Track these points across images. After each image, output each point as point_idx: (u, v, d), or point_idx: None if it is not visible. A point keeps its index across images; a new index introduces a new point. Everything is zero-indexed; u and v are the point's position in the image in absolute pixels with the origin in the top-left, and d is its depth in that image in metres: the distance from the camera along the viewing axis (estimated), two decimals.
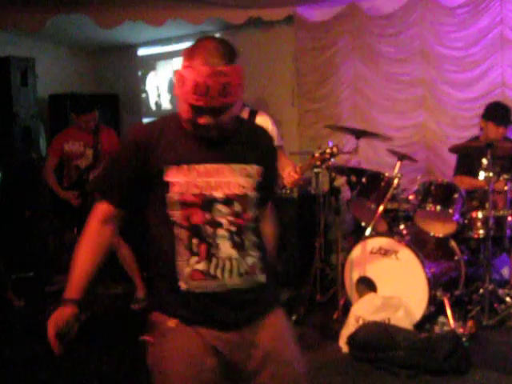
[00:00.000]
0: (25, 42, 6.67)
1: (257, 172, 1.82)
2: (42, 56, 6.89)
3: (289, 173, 3.45)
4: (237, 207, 1.78)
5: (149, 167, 1.77)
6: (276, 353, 1.86)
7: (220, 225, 1.76)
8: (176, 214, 1.76)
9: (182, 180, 1.74)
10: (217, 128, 1.73)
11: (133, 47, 7.79)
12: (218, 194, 1.75)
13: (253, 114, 3.77)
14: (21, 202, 5.98)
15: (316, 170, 4.37)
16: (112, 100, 7.55)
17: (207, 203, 1.75)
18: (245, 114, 3.73)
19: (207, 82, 1.62)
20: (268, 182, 1.91)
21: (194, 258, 1.75)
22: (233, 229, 1.77)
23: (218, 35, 6.91)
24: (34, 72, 6.46)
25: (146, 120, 7.92)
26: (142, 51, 7.82)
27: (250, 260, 1.81)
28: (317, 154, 3.47)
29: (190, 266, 1.75)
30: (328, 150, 3.48)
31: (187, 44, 7.24)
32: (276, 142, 3.66)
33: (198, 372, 1.73)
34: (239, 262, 1.78)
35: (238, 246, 1.79)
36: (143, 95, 7.95)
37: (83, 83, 7.60)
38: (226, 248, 1.77)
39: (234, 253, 1.77)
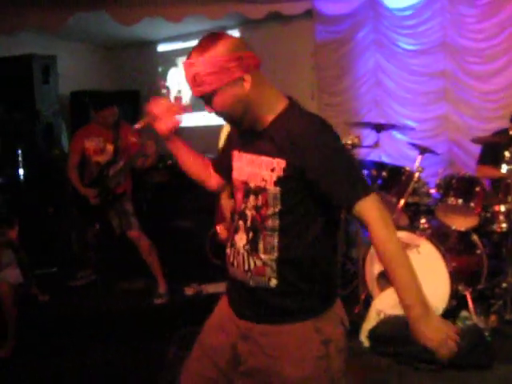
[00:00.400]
0: (46, 40, 6.74)
1: (280, 166, 1.72)
2: (64, 53, 6.95)
3: None
4: (259, 201, 1.78)
5: (228, 152, 2.00)
6: (265, 373, 1.79)
7: (245, 216, 1.82)
8: (234, 197, 1.95)
9: (237, 165, 1.90)
10: (223, 116, 1.82)
11: (153, 43, 7.84)
12: (251, 184, 1.81)
13: None
14: (44, 199, 6.05)
15: None
16: (133, 96, 7.60)
17: (246, 191, 1.83)
18: None
19: (184, 74, 1.76)
20: (299, 177, 1.72)
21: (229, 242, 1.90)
22: (250, 223, 1.81)
23: (237, 30, 6.94)
24: (56, 69, 6.52)
25: None
26: (162, 47, 7.86)
27: (257, 261, 1.78)
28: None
29: (228, 248, 1.91)
30: (349, 142, 3.46)
31: None
32: None
33: (216, 332, 1.92)
34: (244, 259, 1.81)
35: (250, 243, 1.81)
36: (164, 91, 7.97)
37: (104, 80, 7.66)
38: (240, 241, 1.84)
39: (242, 248, 1.83)
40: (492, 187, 4.30)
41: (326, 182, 1.70)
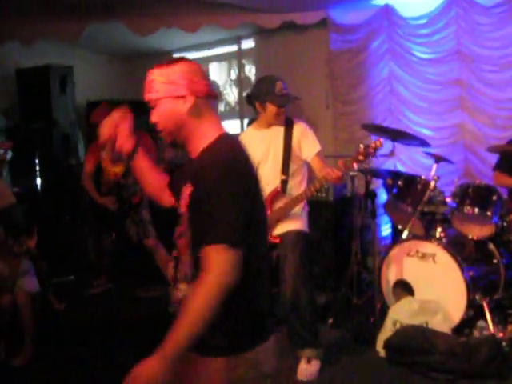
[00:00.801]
0: (63, 50, 6.80)
1: (189, 191, 1.85)
2: (80, 63, 7.02)
3: (332, 170, 3.43)
4: (181, 227, 1.90)
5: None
6: None
7: (175, 244, 1.95)
8: None
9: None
10: (159, 128, 1.95)
11: (168, 53, 7.88)
12: (179, 210, 1.93)
13: (289, 122, 3.78)
14: (61, 207, 6.10)
15: (352, 173, 4.35)
16: (148, 106, 7.63)
17: (177, 218, 1.95)
18: (280, 123, 3.75)
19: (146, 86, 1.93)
20: (197, 207, 1.78)
21: None
22: (176, 252, 1.94)
23: (251, 39, 6.97)
24: (72, 79, 6.58)
25: None
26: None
27: (179, 293, 1.88)
28: (361, 149, 3.45)
29: None
30: (372, 144, 3.46)
31: (221, 49, 7.33)
32: (316, 148, 3.69)
33: None
34: (172, 291, 1.93)
35: (175, 273, 1.92)
36: None
37: (120, 89, 7.71)
38: (171, 269, 1.97)
39: (170, 279, 1.95)
40: (509, 196, 4.28)
41: (201, 214, 1.74)
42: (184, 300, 1.78)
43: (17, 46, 5.88)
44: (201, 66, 1.96)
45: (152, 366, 1.68)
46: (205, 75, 1.92)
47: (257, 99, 3.74)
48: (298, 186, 3.77)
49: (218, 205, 1.71)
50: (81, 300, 5.19)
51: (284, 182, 3.72)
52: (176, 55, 7.86)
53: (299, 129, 3.74)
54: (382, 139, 3.50)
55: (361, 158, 3.47)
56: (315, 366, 3.60)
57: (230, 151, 1.84)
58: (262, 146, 3.76)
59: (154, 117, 1.92)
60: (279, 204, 3.74)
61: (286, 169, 3.71)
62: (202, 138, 1.88)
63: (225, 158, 1.79)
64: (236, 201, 1.72)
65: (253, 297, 1.81)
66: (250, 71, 7.17)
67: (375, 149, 3.46)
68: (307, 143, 3.73)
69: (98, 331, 4.37)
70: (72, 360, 3.96)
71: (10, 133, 6.10)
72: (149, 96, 1.90)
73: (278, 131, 3.75)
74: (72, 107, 6.54)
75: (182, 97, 1.84)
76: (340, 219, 5.19)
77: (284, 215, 3.72)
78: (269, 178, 3.75)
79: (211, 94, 1.91)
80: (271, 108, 3.70)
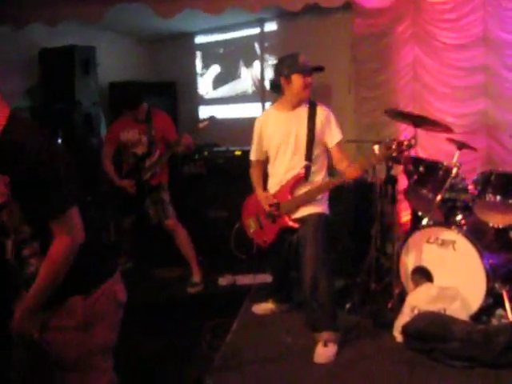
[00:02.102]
0: (86, 31, 6.82)
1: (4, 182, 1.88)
2: (103, 44, 7.03)
3: (355, 169, 3.44)
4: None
5: None
6: None
7: None
8: None
9: None
10: None
11: (190, 35, 7.88)
12: None
13: (312, 105, 3.77)
14: (82, 188, 6.14)
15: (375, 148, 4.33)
16: (170, 87, 7.66)
17: None
18: (304, 106, 3.74)
19: None
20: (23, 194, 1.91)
21: None
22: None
23: (274, 22, 6.94)
24: (95, 61, 6.60)
25: (202, 107, 8.01)
26: (200, 39, 7.90)
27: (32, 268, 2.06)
28: (394, 146, 3.44)
29: None
30: (406, 142, 3.45)
31: (244, 32, 7.30)
32: (337, 137, 3.68)
33: None
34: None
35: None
36: (200, 83, 8.03)
37: (142, 71, 7.73)
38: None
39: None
40: None
41: (27, 193, 1.88)
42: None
43: (41, 26, 5.90)
44: None
45: (19, 317, 2.00)
46: None
47: (281, 74, 3.73)
48: (319, 172, 3.77)
49: (46, 178, 1.87)
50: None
51: (307, 168, 3.71)
52: (198, 37, 7.86)
53: (323, 114, 3.73)
54: (415, 138, 3.51)
55: (394, 154, 3.48)
56: (332, 349, 3.62)
57: (28, 134, 1.90)
58: (283, 128, 3.75)
59: None
60: (301, 190, 3.75)
61: (309, 154, 3.70)
62: None
63: (31, 140, 1.87)
64: (57, 168, 1.91)
65: (94, 241, 2.11)
66: (272, 54, 7.14)
67: (408, 146, 3.45)
68: (330, 130, 3.71)
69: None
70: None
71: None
72: None
73: (301, 114, 3.73)
74: (95, 88, 6.57)
75: None
76: (360, 205, 5.18)
77: (304, 203, 3.73)
78: (291, 163, 3.75)
79: None
80: (297, 80, 3.69)
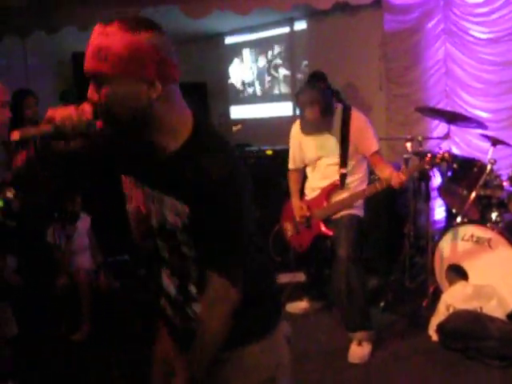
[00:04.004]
0: None
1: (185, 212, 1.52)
2: None
3: (398, 174, 3.41)
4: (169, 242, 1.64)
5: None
6: None
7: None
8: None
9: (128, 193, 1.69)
10: (105, 114, 1.46)
11: (220, 36, 7.92)
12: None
13: (346, 111, 3.72)
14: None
15: (406, 155, 4.30)
16: (200, 88, 7.71)
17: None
18: (338, 111, 3.72)
19: (91, 38, 1.43)
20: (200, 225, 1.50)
21: None
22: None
23: (304, 22, 6.93)
24: None
25: (232, 108, 8.05)
26: (229, 39, 7.94)
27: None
28: (427, 158, 3.42)
29: None
30: (439, 155, 3.42)
31: (274, 31, 7.31)
32: (373, 147, 3.65)
33: None
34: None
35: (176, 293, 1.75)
36: (230, 83, 8.07)
37: None
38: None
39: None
40: None
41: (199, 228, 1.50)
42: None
43: (73, 31, 6.00)
44: (170, 42, 1.48)
45: None
46: (174, 52, 1.48)
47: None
48: (356, 179, 3.76)
49: (229, 225, 1.50)
50: (134, 279, 5.30)
51: (343, 176, 3.71)
52: (228, 38, 7.89)
53: (357, 124, 3.68)
54: (450, 152, 3.47)
55: (427, 166, 3.47)
56: (366, 348, 3.60)
57: (220, 144, 1.55)
58: (319, 136, 3.75)
59: (104, 98, 1.43)
60: (337, 198, 3.75)
61: (344, 162, 3.69)
62: (171, 131, 1.50)
63: (221, 158, 1.48)
64: (244, 212, 1.52)
65: (265, 285, 1.75)
66: (302, 53, 7.13)
67: (442, 159, 3.43)
68: (366, 139, 3.66)
69: (149, 309, 4.47)
70: (127, 336, 4.06)
71: None
72: (97, 66, 1.40)
73: (335, 121, 3.69)
74: None
75: (148, 80, 1.41)
76: (393, 202, 5.14)
77: (340, 210, 3.72)
78: (327, 170, 3.76)
79: (177, 78, 1.49)
80: None
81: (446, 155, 3.42)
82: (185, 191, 1.48)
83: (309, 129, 3.69)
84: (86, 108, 1.47)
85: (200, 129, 1.52)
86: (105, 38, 1.38)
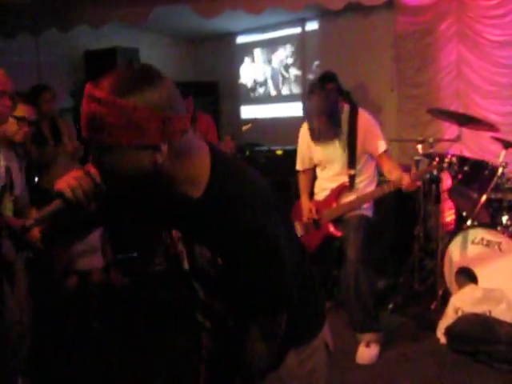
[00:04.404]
0: (129, 33, 6.93)
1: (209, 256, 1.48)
2: (145, 45, 7.14)
3: (406, 177, 3.40)
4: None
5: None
6: None
7: None
8: None
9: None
10: (103, 177, 1.39)
11: (232, 35, 7.92)
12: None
13: (353, 111, 3.71)
14: None
15: (417, 157, 4.29)
16: (212, 87, 7.72)
17: None
18: (345, 112, 3.71)
19: (83, 105, 1.30)
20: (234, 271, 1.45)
21: None
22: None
23: (316, 22, 6.91)
24: (138, 61, 6.70)
25: (243, 107, 8.05)
26: (241, 39, 7.94)
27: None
28: (435, 163, 3.42)
29: None
30: (447, 160, 3.41)
31: (285, 31, 7.31)
32: (381, 148, 3.64)
33: None
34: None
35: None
36: (241, 82, 8.07)
37: (184, 71, 7.81)
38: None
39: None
40: None
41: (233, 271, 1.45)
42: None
43: (85, 29, 6.03)
44: (173, 84, 1.35)
45: None
46: (178, 100, 1.35)
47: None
48: (365, 180, 3.75)
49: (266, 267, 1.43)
50: (143, 276, 5.31)
51: (352, 177, 3.70)
52: (240, 37, 7.89)
53: (364, 124, 3.67)
54: (456, 156, 3.46)
55: (434, 171, 3.47)
56: (374, 349, 3.60)
57: (241, 180, 1.46)
58: (328, 148, 3.74)
59: (108, 167, 1.34)
60: (346, 198, 3.74)
61: (352, 163, 3.69)
62: (189, 182, 1.41)
63: (245, 204, 1.39)
64: (278, 252, 1.43)
65: (307, 295, 1.70)
66: (314, 53, 7.13)
67: (450, 164, 3.42)
68: (373, 140, 3.65)
69: (160, 307, 4.48)
70: (135, 334, 4.07)
71: (77, 114, 6.27)
72: (94, 136, 1.29)
73: (342, 122, 3.68)
74: None
75: (152, 145, 1.29)
76: (403, 204, 5.12)
77: (349, 211, 3.72)
78: (336, 172, 3.76)
79: (187, 127, 1.35)
80: None
81: (454, 159, 3.41)
82: (214, 242, 1.44)
83: (318, 137, 3.68)
84: (92, 170, 1.40)
85: (218, 169, 1.43)
86: (98, 106, 1.25)
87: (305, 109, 3.69)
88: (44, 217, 1.43)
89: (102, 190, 1.41)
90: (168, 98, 1.29)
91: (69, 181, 1.40)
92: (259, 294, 1.46)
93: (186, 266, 1.59)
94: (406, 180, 3.39)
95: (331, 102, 3.56)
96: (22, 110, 3.02)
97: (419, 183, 3.44)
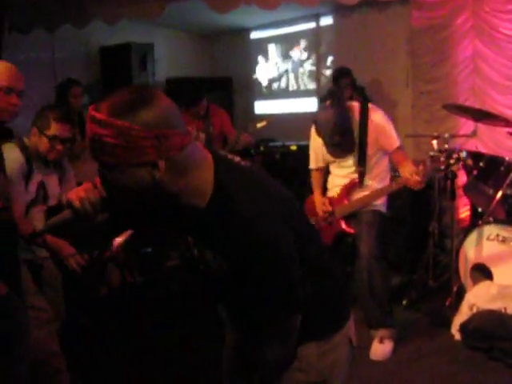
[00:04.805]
0: (144, 29, 6.95)
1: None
2: (159, 41, 7.15)
3: (413, 176, 3.37)
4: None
5: None
6: None
7: None
8: None
9: None
10: (108, 193, 1.52)
11: (246, 31, 7.92)
12: None
13: (364, 109, 3.65)
14: None
15: (432, 153, 4.26)
16: (226, 83, 7.73)
17: None
18: (355, 109, 3.67)
19: (87, 125, 1.40)
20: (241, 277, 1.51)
21: None
22: None
23: (330, 17, 6.89)
24: (153, 57, 6.72)
25: (258, 103, 8.05)
26: (255, 34, 7.93)
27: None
28: (442, 159, 3.40)
29: None
30: (454, 155, 3.39)
31: (300, 26, 7.29)
32: (395, 144, 3.61)
33: None
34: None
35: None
36: (256, 78, 8.06)
37: (199, 67, 7.83)
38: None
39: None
40: None
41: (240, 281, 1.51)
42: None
43: (100, 25, 6.05)
44: (168, 102, 1.42)
45: None
46: (175, 117, 1.42)
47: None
48: (377, 176, 3.73)
49: (272, 278, 1.47)
50: (157, 272, 5.32)
51: (361, 174, 3.69)
52: (254, 33, 7.88)
53: (375, 121, 3.62)
54: (464, 151, 3.43)
55: (442, 167, 3.46)
56: (388, 346, 3.59)
57: (244, 187, 1.49)
58: None
59: (115, 183, 1.44)
60: (358, 195, 3.73)
61: (362, 159, 3.67)
62: (192, 194, 1.47)
63: (247, 207, 1.44)
64: (286, 260, 1.48)
65: (328, 290, 1.74)
66: (328, 48, 7.10)
67: (457, 160, 3.40)
68: (385, 137, 3.62)
69: (173, 302, 4.50)
70: (149, 329, 4.09)
71: None
72: (97, 156, 1.39)
73: (353, 119, 3.65)
74: (152, 84, 6.69)
75: (149, 162, 1.37)
76: (417, 200, 5.10)
77: (361, 207, 3.70)
78: (347, 168, 3.75)
79: (186, 142, 1.42)
80: None
81: (462, 155, 3.38)
82: (221, 250, 1.50)
83: (334, 153, 3.65)
84: (99, 184, 1.53)
85: (222, 178, 1.48)
86: (98, 127, 1.35)
87: (316, 120, 3.60)
88: (54, 224, 1.59)
89: (108, 202, 1.53)
90: (162, 115, 1.37)
91: (78, 192, 1.54)
92: (268, 301, 1.51)
93: (202, 268, 1.65)
94: (410, 180, 3.36)
95: (345, 119, 3.52)
96: (54, 128, 2.98)
97: (423, 182, 3.40)
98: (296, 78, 7.59)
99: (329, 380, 1.74)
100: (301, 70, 7.50)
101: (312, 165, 4.03)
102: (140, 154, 1.35)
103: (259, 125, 5.04)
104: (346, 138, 3.49)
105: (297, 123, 6.89)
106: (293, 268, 1.49)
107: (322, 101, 3.59)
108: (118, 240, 2.11)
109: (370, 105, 3.71)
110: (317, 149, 3.92)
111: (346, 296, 1.89)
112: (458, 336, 3.68)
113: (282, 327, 1.57)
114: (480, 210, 4.40)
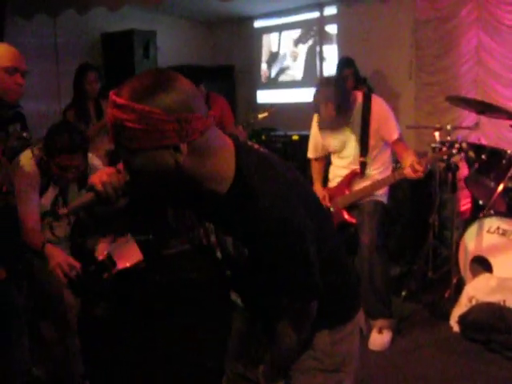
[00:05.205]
0: (147, 16, 6.92)
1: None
2: (162, 28, 7.12)
3: (413, 166, 3.36)
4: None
5: None
6: None
7: None
8: None
9: None
10: (130, 178, 1.51)
11: (249, 19, 7.88)
12: None
13: (367, 98, 3.67)
14: None
15: (434, 144, 4.26)
16: (228, 71, 7.70)
17: None
18: (358, 98, 3.67)
19: (108, 109, 1.39)
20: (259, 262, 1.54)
21: None
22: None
23: (334, 7, 6.85)
24: (155, 44, 6.69)
25: (260, 92, 8.03)
26: (258, 23, 7.89)
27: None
28: (444, 149, 3.40)
29: None
30: (456, 145, 3.39)
31: (303, 15, 7.24)
32: (395, 135, 3.61)
33: None
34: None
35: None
36: (258, 67, 8.03)
37: (201, 55, 7.79)
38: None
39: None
40: None
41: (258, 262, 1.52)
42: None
43: (103, 11, 6.02)
44: (189, 85, 1.41)
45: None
46: (196, 100, 1.40)
47: None
48: (378, 166, 3.73)
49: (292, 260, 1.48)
50: (158, 259, 5.33)
51: (363, 164, 3.69)
52: (257, 21, 7.85)
53: (378, 111, 3.62)
54: (466, 141, 3.44)
55: (444, 157, 3.47)
56: (387, 336, 3.60)
57: (265, 174, 1.48)
58: (338, 137, 3.73)
59: (135, 169, 1.43)
60: (359, 185, 3.73)
61: (364, 150, 3.67)
62: (214, 179, 1.46)
63: (268, 194, 1.43)
64: (303, 239, 1.47)
65: (342, 280, 1.76)
66: (332, 38, 7.07)
67: (459, 150, 3.40)
68: (386, 126, 3.62)
69: (172, 289, 4.51)
70: (148, 316, 4.09)
71: None
72: (118, 141, 1.38)
73: (356, 110, 3.65)
74: None
75: (171, 146, 1.36)
76: (418, 192, 5.09)
77: (363, 198, 3.70)
78: (348, 158, 3.75)
79: (207, 126, 1.40)
80: None
81: (464, 145, 3.39)
82: (241, 236, 1.51)
83: (323, 126, 3.67)
84: (122, 168, 1.52)
85: (243, 165, 1.48)
86: (119, 112, 1.34)
87: (313, 100, 3.60)
88: (77, 207, 1.60)
89: (130, 187, 1.53)
90: (183, 99, 1.35)
91: (101, 176, 1.53)
92: (286, 287, 1.53)
93: (219, 254, 1.66)
94: (414, 168, 3.36)
95: (339, 90, 3.52)
96: (60, 159, 2.86)
97: (422, 173, 3.39)
98: (298, 68, 7.56)
99: (341, 368, 1.76)
100: (303, 59, 7.47)
101: (310, 154, 4.02)
102: (162, 137, 1.33)
103: (261, 115, 5.03)
104: (335, 109, 3.47)
105: (299, 113, 6.86)
106: (312, 254, 1.50)
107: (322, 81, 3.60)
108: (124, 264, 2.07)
109: (373, 95, 3.71)
110: (317, 138, 3.91)
111: (358, 285, 1.90)
112: (456, 328, 3.69)
113: (299, 313, 1.60)
114: (481, 202, 4.40)
